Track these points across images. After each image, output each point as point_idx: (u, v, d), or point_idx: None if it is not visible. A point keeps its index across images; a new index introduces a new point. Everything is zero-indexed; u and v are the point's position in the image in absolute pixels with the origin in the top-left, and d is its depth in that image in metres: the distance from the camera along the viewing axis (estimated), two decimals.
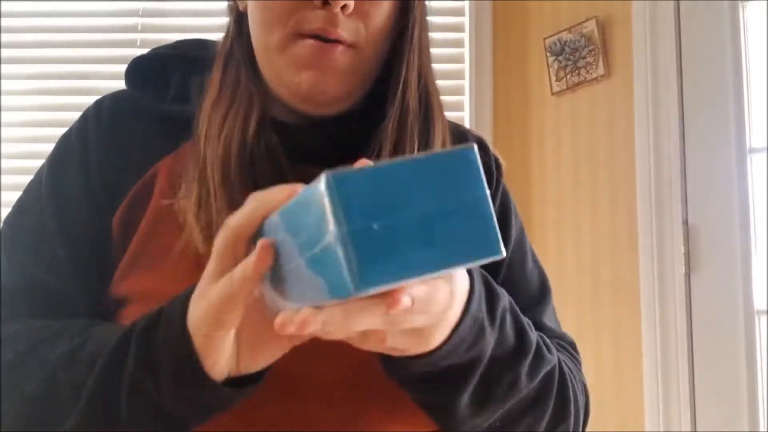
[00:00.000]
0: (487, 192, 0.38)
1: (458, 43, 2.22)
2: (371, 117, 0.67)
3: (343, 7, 0.62)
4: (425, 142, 0.66)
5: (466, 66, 2.19)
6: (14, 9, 2.24)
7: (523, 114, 2.13)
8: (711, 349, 1.68)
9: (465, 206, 0.37)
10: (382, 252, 0.35)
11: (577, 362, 0.71)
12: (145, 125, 0.70)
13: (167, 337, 0.50)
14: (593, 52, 1.95)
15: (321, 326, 0.39)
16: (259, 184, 0.55)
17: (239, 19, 0.70)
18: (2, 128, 2.17)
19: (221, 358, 0.48)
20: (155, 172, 0.66)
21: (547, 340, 0.63)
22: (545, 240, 2.02)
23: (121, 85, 0.74)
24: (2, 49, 2.20)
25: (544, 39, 2.05)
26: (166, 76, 0.72)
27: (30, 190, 0.69)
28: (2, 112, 2.18)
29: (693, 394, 1.69)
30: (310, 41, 0.62)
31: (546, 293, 0.74)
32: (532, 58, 2.12)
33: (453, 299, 0.47)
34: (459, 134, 0.75)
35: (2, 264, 0.65)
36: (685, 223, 1.74)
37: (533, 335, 0.59)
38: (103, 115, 0.70)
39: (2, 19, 2.21)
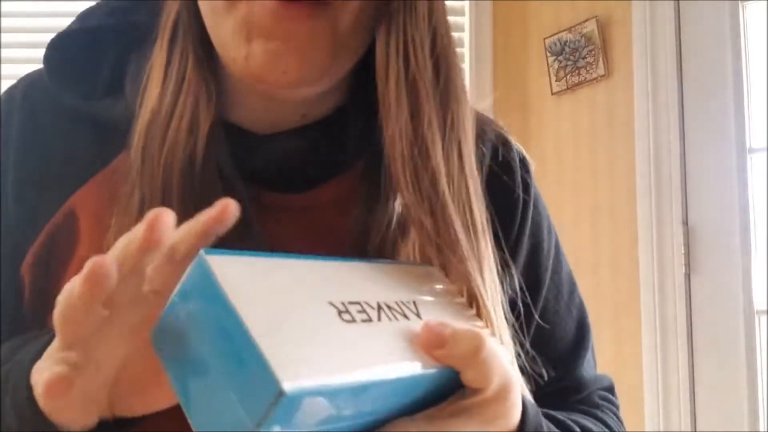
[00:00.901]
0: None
1: (458, 43, 2.22)
2: (365, 117, 0.50)
3: None
4: (452, 123, 0.48)
5: (465, 66, 2.19)
6: (13, 9, 2.24)
7: (522, 114, 2.12)
8: (711, 349, 1.68)
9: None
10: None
11: (615, 409, 0.62)
12: (64, 132, 0.53)
13: (15, 401, 0.40)
14: (593, 52, 1.95)
15: None
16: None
17: None
18: None
19: (77, 413, 0.38)
20: (72, 208, 0.50)
21: None
22: None
23: None
24: (2, 50, 2.20)
25: (544, 39, 2.05)
26: (98, 57, 0.53)
27: None
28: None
29: (693, 395, 1.69)
30: (267, 1, 0.45)
31: (585, 335, 0.62)
32: (532, 58, 2.12)
33: None
34: (478, 128, 0.56)
35: None
36: (685, 223, 1.74)
37: None
38: (14, 120, 0.54)
39: (2, 19, 2.21)
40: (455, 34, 2.20)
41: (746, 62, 1.73)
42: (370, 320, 0.35)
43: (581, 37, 1.97)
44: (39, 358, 0.39)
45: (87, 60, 0.53)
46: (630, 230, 1.83)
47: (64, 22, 2.16)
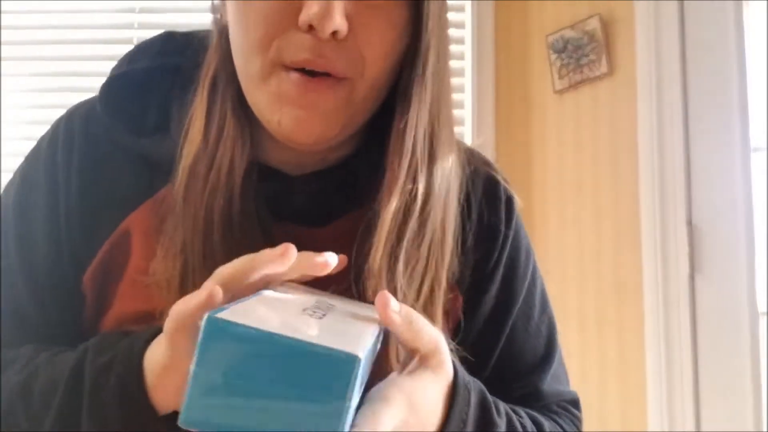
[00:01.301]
0: (350, 404, 0.39)
1: (459, 41, 2.20)
2: (374, 162, 0.60)
3: (335, 33, 0.53)
4: (427, 191, 0.59)
5: (467, 63, 2.18)
6: (12, 7, 2.23)
7: (525, 112, 2.11)
8: (715, 350, 1.67)
9: (321, 405, 0.38)
10: (213, 399, 0.38)
11: (575, 420, 0.69)
12: (118, 160, 0.62)
13: (120, 381, 0.49)
14: (596, 50, 1.93)
15: None
16: (243, 253, 0.48)
17: (224, 35, 0.60)
18: (1, 126, 2.16)
19: (172, 397, 0.48)
20: (127, 229, 0.60)
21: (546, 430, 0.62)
22: (547, 240, 2.01)
23: None
24: (1, 47, 2.19)
25: (547, 36, 2.04)
26: (147, 97, 0.63)
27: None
28: (1, 110, 2.17)
29: (696, 395, 1.68)
30: (295, 75, 0.54)
31: (552, 352, 0.70)
32: (534, 56, 2.11)
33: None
34: (469, 161, 0.66)
35: None
36: (689, 223, 1.73)
37: None
38: (74, 147, 0.62)
39: (1, 16, 2.20)
40: (457, 32, 2.20)
41: (750, 60, 1.72)
42: (325, 313, 0.45)
43: (584, 34, 1.96)
44: (147, 346, 0.48)
45: (137, 99, 0.63)
46: (633, 230, 1.82)
47: (61, 20, 2.14)
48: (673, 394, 1.70)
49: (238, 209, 0.57)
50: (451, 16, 2.22)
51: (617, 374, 1.82)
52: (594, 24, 1.93)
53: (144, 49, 0.65)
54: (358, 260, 0.57)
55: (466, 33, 2.19)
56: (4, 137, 2.16)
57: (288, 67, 0.54)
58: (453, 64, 2.17)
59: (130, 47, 0.67)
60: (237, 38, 0.57)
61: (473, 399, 0.52)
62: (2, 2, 2.21)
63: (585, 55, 1.95)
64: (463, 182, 0.64)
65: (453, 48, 2.19)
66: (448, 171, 0.60)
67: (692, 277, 1.71)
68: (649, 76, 1.82)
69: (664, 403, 1.71)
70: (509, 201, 0.69)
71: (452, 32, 2.21)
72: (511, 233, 0.68)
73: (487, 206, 0.67)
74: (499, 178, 0.70)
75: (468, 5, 2.19)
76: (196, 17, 2.23)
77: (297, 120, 0.55)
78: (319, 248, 0.53)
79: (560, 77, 2.01)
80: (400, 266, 0.57)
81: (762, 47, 1.70)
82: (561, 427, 0.65)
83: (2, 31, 2.20)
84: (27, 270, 0.61)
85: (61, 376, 0.51)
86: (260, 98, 0.56)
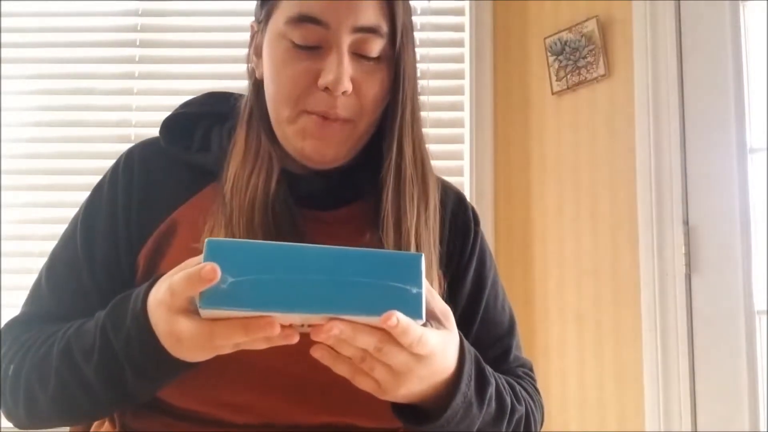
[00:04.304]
0: (424, 291, 0.55)
1: (458, 43, 2.22)
2: (369, 168, 0.81)
3: (343, 92, 0.75)
4: (424, 199, 0.80)
5: (466, 66, 2.19)
6: (14, 9, 2.24)
7: (523, 114, 2.13)
8: (711, 349, 1.68)
9: (402, 291, 0.54)
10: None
11: (534, 382, 0.89)
12: (170, 171, 0.84)
13: (132, 331, 0.64)
14: (593, 52, 1.95)
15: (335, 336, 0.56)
16: (277, 229, 0.74)
17: (257, 85, 0.83)
18: (2, 128, 2.17)
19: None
20: (175, 220, 0.80)
21: (518, 390, 0.80)
22: (545, 240, 2.02)
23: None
24: (2, 49, 2.20)
25: (545, 39, 2.05)
26: (192, 130, 0.86)
27: (70, 226, 0.85)
28: (2, 113, 2.17)
29: (693, 395, 1.69)
30: (314, 117, 0.76)
31: (514, 325, 0.92)
32: (533, 58, 2.12)
33: (428, 370, 0.62)
34: (442, 188, 0.86)
35: (44, 291, 0.82)
36: (686, 223, 1.74)
37: (508, 398, 0.76)
38: (134, 165, 0.84)
39: (2, 19, 2.21)
40: (455, 34, 2.21)
41: (747, 62, 1.73)
42: None
43: (581, 36, 1.97)
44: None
45: (187, 129, 0.86)
46: (630, 230, 1.83)
47: (63, 22, 2.17)
48: (669, 393, 1.70)
49: (272, 197, 0.77)
50: (450, 18, 2.24)
51: (614, 374, 1.83)
52: (591, 26, 1.95)
53: (192, 101, 0.91)
54: (365, 236, 0.78)
55: (465, 35, 2.20)
56: (5, 138, 2.17)
57: (310, 113, 0.76)
58: (452, 66, 2.20)
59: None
60: (271, 91, 0.79)
61: (473, 356, 0.70)
62: (3, 4, 2.22)
63: (583, 57, 1.97)
64: (438, 190, 0.84)
65: (452, 51, 2.21)
66: (429, 169, 0.82)
67: (689, 277, 1.73)
68: (646, 77, 1.83)
69: (660, 402, 1.72)
70: (474, 210, 0.92)
71: (451, 35, 2.23)
72: (480, 232, 0.91)
73: (459, 210, 0.90)
74: (463, 194, 0.93)
75: (467, 7, 2.21)
76: (198, 20, 2.25)
77: (315, 148, 0.78)
78: (326, 227, 0.81)
79: (558, 79, 2.02)
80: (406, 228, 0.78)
81: (761, 48, 1.71)
82: (525, 389, 0.84)
83: (4, 33, 2.21)
84: (89, 261, 0.81)
85: (92, 331, 0.69)
86: (289, 133, 0.79)
